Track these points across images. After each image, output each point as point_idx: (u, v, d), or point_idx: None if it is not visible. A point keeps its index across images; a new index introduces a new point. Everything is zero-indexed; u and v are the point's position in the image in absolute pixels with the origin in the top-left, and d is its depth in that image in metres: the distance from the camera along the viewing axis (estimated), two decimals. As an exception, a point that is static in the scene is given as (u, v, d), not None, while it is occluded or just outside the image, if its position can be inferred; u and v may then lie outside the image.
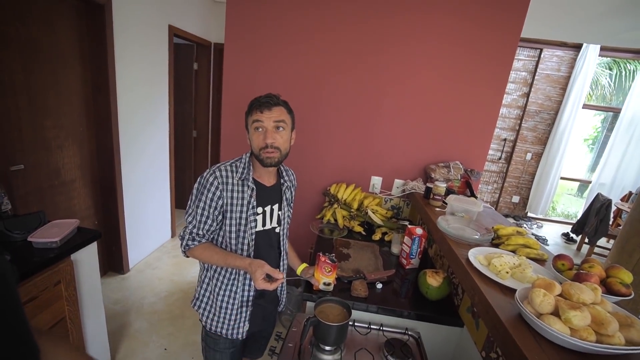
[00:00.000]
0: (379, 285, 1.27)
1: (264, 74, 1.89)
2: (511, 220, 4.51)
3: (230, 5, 1.82)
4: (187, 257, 1.09)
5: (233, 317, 1.10)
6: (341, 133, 1.93)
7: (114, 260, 2.56)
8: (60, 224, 1.39)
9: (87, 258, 1.45)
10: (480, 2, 1.68)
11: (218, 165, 1.06)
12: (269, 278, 0.97)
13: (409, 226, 1.43)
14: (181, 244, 1.07)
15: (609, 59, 5.00)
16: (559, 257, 0.91)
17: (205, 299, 1.14)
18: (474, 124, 1.85)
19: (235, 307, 1.10)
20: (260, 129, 1.02)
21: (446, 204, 1.54)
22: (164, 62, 2.74)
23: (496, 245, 1.15)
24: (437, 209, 1.53)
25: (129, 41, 2.25)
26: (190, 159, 3.78)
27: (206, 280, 1.14)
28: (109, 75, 2.12)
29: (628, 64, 5.20)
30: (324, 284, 1.16)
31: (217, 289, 1.11)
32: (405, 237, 1.44)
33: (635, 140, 4.12)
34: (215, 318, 1.12)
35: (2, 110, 1.63)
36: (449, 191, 1.68)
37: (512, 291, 0.85)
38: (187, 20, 2.97)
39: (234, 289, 1.09)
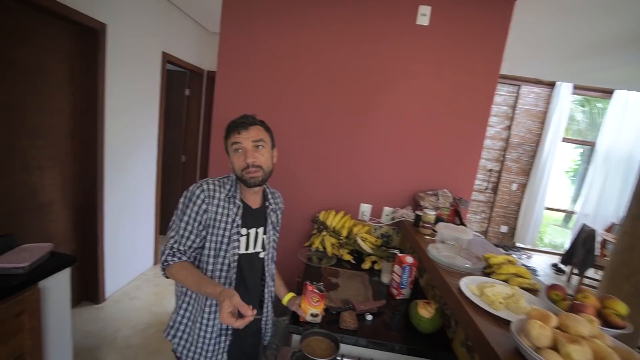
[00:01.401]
0: (369, 317, 1.21)
1: (254, 100, 1.91)
2: (501, 250, 4.51)
3: (224, 36, 1.88)
4: (167, 277, 1.01)
5: (210, 348, 1.02)
6: (331, 160, 1.94)
7: (89, 289, 2.40)
8: (31, 248, 1.30)
9: (58, 286, 1.35)
10: (463, 40, 1.78)
11: (206, 179, 1.04)
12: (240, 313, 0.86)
13: (399, 255, 1.40)
14: (160, 259, 1.00)
15: (581, 96, 5.32)
16: (553, 287, 0.89)
17: (182, 327, 1.06)
18: (461, 153, 1.89)
19: (214, 335, 1.02)
20: (240, 150, 1.01)
21: (436, 232, 1.53)
22: (155, 87, 2.77)
23: (487, 274, 1.13)
24: (427, 237, 1.51)
25: (121, 66, 2.27)
26: (178, 184, 3.71)
27: (184, 305, 1.06)
28: (98, 98, 2.11)
29: (597, 103, 5.56)
30: (311, 315, 1.10)
31: (196, 315, 1.03)
32: (396, 266, 1.41)
33: (612, 173, 4.30)
34: (192, 348, 1.03)
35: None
36: (438, 219, 1.67)
37: (506, 323, 0.81)
38: (181, 48, 3.05)
39: (212, 316, 1.02)
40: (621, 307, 0.75)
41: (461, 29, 1.78)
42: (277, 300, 1.25)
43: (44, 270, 1.26)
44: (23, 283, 1.17)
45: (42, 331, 1.28)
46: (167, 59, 2.82)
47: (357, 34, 1.83)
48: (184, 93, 3.53)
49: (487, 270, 1.15)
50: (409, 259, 1.36)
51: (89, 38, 2.04)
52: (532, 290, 1.04)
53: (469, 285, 0.99)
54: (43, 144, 1.92)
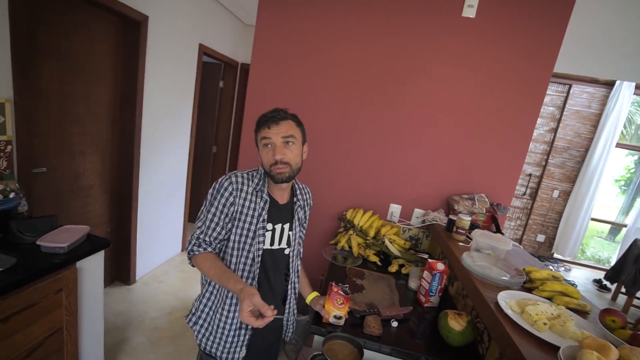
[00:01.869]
0: (394, 324, 1.15)
1: (286, 94, 1.89)
2: (537, 261, 4.23)
3: (259, 29, 1.87)
4: (192, 265, 1.02)
5: (229, 340, 1.02)
6: (361, 157, 1.88)
7: (122, 270, 2.53)
8: (70, 229, 1.37)
9: (93, 267, 1.42)
10: (513, 33, 1.64)
11: (235, 172, 1.03)
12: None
13: (430, 260, 1.32)
14: (187, 249, 1.02)
15: (643, 98, 4.81)
16: (608, 312, 0.79)
17: (203, 315, 1.07)
18: (502, 156, 1.76)
19: (234, 327, 1.02)
20: (269, 145, 0.99)
21: (470, 238, 1.43)
22: (191, 78, 2.83)
23: (528, 290, 1.03)
24: (461, 244, 1.42)
25: (160, 56, 2.34)
26: (208, 174, 3.81)
27: (207, 294, 1.07)
28: (137, 88, 2.19)
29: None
30: (335, 317, 1.06)
31: (218, 306, 1.03)
32: (425, 271, 1.33)
33: (676, 184, 3.85)
34: (212, 337, 1.04)
35: (35, 115, 1.68)
36: (473, 225, 1.57)
37: (551, 347, 0.73)
38: (217, 40, 3.09)
39: (232, 308, 1.01)
40: (698, 345, 0.64)
41: (512, 22, 1.64)
42: (300, 297, 1.22)
43: (81, 252, 1.33)
44: (63, 262, 1.24)
45: (78, 308, 1.35)
46: (203, 50, 2.88)
47: (396, 27, 1.74)
48: (218, 85, 3.60)
49: (528, 286, 1.06)
50: (440, 266, 1.28)
51: (131, 30, 2.12)
52: (581, 312, 0.93)
53: (507, 301, 0.91)
54: (88, 131, 2.03)
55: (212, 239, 1.00)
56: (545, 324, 0.80)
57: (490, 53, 1.68)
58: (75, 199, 2.03)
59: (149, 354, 1.93)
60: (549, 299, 0.97)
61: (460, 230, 1.46)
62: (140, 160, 2.35)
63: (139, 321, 2.19)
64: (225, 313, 1.01)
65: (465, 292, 1.32)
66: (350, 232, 1.71)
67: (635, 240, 3.15)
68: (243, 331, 1.03)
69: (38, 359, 1.20)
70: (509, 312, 0.86)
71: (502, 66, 1.68)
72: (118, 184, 2.35)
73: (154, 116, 2.42)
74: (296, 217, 1.10)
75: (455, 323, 1.07)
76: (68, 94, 1.86)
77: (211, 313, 1.05)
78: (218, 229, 1.00)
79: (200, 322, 1.07)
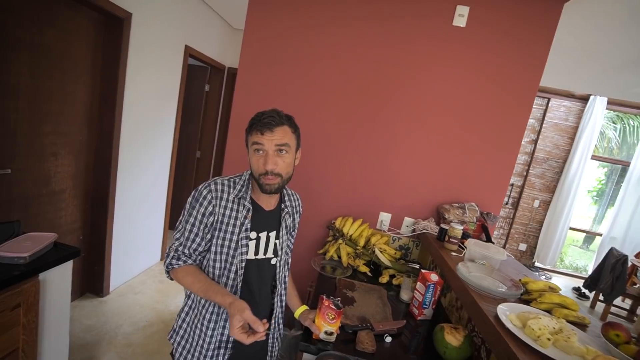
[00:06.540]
0: (388, 339, 1.10)
1: (275, 100, 1.83)
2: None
3: (248, 33, 1.81)
4: (171, 279, 0.94)
5: (207, 359, 0.94)
6: (351, 165, 1.83)
7: (94, 281, 2.36)
8: (34, 237, 1.24)
9: (59, 279, 1.28)
10: (502, 44, 1.67)
11: (215, 178, 0.96)
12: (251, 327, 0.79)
13: (423, 271, 1.28)
14: (164, 262, 0.93)
15: (613, 113, 5.06)
16: (612, 325, 0.77)
17: (182, 331, 0.99)
18: (491, 165, 1.76)
19: (212, 346, 0.93)
20: (261, 152, 0.91)
21: (463, 248, 1.41)
22: (176, 80, 2.73)
23: (526, 302, 1.00)
24: (453, 254, 1.39)
25: (143, 56, 2.24)
26: (191, 179, 3.67)
27: (185, 309, 1.00)
28: (117, 87, 2.08)
29: (631, 120, 5.28)
30: (326, 332, 0.99)
31: (196, 321, 0.95)
32: (419, 283, 1.29)
33: (647, 195, 4.03)
34: (189, 356, 0.96)
35: (0, 112, 1.55)
36: (464, 234, 1.55)
37: (557, 365, 0.70)
38: (204, 43, 3.01)
39: (212, 325, 0.93)
40: None
41: (500, 33, 1.66)
42: (287, 310, 1.15)
43: (46, 262, 1.20)
44: (23, 274, 1.11)
45: (39, 326, 1.21)
46: (189, 52, 2.79)
47: (387, 34, 1.73)
48: (204, 88, 3.50)
49: (525, 297, 1.03)
50: (434, 277, 1.24)
51: (113, 26, 2.01)
52: (580, 325, 0.91)
53: (508, 314, 0.87)
54: (61, 131, 1.90)
55: (191, 251, 0.93)
56: (549, 339, 0.77)
57: (480, 64, 1.69)
58: (45, 204, 1.88)
59: (121, 373, 1.78)
60: (548, 311, 0.94)
61: (453, 240, 1.43)
62: (118, 164, 2.22)
63: (111, 336, 2.03)
64: (204, 329, 0.94)
65: (459, 303, 1.28)
66: (340, 241, 1.66)
67: (611, 249, 3.25)
68: (222, 350, 0.94)
69: (-11, 383, 1.06)
70: (509, 326, 0.82)
71: (491, 77, 1.70)
72: (93, 188, 2.20)
73: (135, 118, 2.30)
74: (283, 225, 1.03)
75: (452, 338, 1.03)
76: (41, 91, 1.73)
77: (189, 329, 0.98)
78: (198, 239, 0.92)
79: (179, 339, 0.99)
